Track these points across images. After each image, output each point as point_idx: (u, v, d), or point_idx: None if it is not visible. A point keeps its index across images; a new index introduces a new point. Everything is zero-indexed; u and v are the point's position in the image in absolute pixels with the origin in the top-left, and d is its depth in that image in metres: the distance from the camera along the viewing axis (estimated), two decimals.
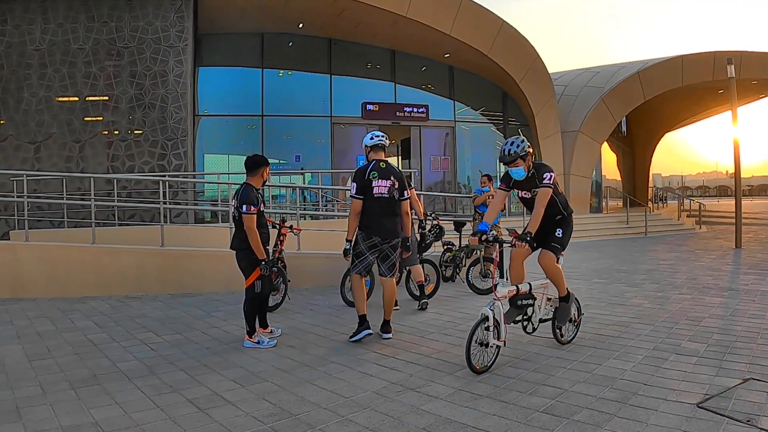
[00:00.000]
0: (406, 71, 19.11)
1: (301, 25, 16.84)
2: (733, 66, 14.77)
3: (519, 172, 4.72)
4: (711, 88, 22.64)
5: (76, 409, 3.62)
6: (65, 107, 13.52)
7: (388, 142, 5.69)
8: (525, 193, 4.95)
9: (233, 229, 5.47)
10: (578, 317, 5.22)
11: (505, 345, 4.41)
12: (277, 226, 7.12)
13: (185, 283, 8.40)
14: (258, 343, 5.21)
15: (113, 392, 3.94)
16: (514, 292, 4.60)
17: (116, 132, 13.82)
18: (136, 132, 13.86)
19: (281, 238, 7.09)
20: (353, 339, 5.35)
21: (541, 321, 4.93)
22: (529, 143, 4.78)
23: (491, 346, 4.30)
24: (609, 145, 24.64)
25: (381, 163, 5.46)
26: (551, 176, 4.65)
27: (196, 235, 10.93)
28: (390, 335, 5.46)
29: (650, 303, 6.93)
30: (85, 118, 13.61)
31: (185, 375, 4.35)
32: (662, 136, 29.56)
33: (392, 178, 5.42)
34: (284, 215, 9.96)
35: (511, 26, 17.98)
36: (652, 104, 22.25)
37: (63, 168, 13.28)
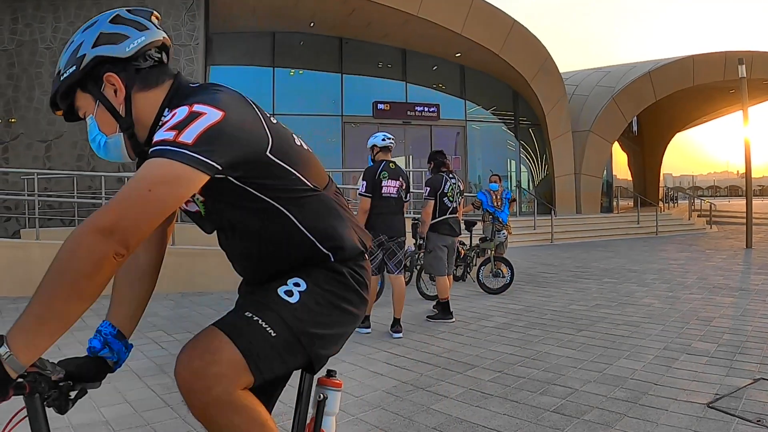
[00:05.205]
0: (417, 70, 19.09)
1: (312, 24, 16.88)
2: (744, 66, 14.68)
3: None
4: (722, 88, 22.47)
5: (87, 408, 3.62)
6: None
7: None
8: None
9: None
10: None
11: None
12: None
13: (196, 281, 8.43)
14: None
15: (124, 391, 3.96)
16: None
17: None
18: None
19: None
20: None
21: None
22: None
23: None
24: (620, 145, 24.52)
25: (391, 164, 5.68)
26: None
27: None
28: (400, 335, 5.48)
29: (661, 303, 6.90)
30: None
31: None
32: (673, 136, 29.38)
33: (401, 179, 5.65)
34: None
35: (523, 26, 17.93)
36: (663, 104, 22.12)
37: (74, 166, 13.36)
